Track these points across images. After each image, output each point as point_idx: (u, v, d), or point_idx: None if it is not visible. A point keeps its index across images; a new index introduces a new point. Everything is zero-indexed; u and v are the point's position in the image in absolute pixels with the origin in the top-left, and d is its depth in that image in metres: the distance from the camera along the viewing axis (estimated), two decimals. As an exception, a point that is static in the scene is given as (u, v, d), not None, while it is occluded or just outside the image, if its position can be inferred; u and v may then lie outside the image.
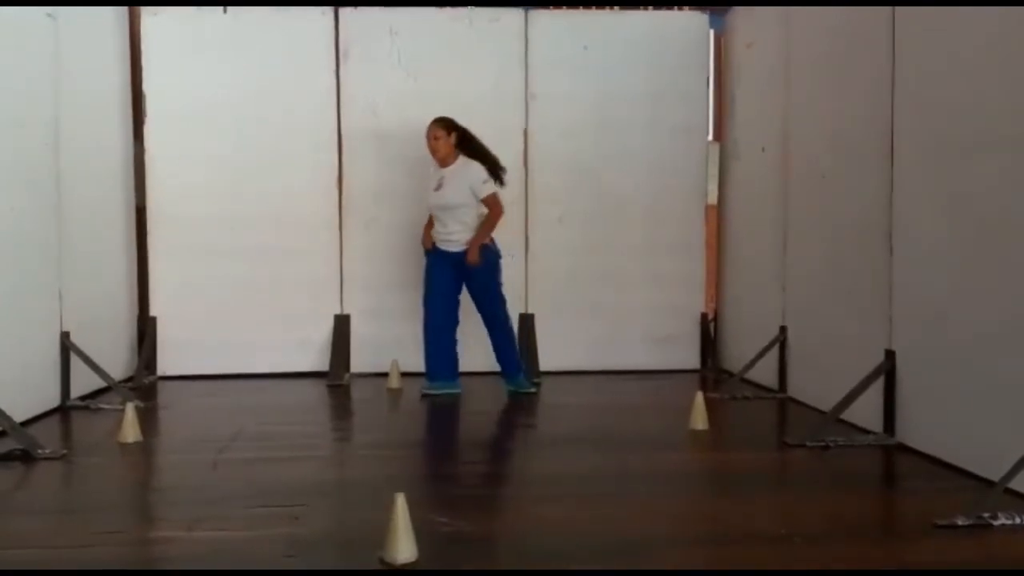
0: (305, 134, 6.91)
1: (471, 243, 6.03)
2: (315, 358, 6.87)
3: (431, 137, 6.08)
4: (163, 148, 6.84)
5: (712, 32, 7.36)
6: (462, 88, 6.97)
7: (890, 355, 4.66)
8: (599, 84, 7.12)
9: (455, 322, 6.22)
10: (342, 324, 6.97)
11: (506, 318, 6.29)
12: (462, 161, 6.10)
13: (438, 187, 6.07)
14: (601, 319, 7.14)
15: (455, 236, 6.06)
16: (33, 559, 3.09)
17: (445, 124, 6.11)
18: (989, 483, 3.64)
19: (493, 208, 6.08)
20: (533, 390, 6.23)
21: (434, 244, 6.17)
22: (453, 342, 6.22)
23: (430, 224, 6.23)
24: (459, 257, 6.05)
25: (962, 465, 4.03)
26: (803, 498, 3.85)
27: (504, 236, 7.04)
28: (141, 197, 6.91)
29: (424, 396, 6.02)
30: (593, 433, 5.13)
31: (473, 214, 6.07)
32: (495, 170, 6.08)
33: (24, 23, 5.27)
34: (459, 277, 6.13)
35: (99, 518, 3.55)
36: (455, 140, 6.11)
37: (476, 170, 6.04)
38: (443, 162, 6.10)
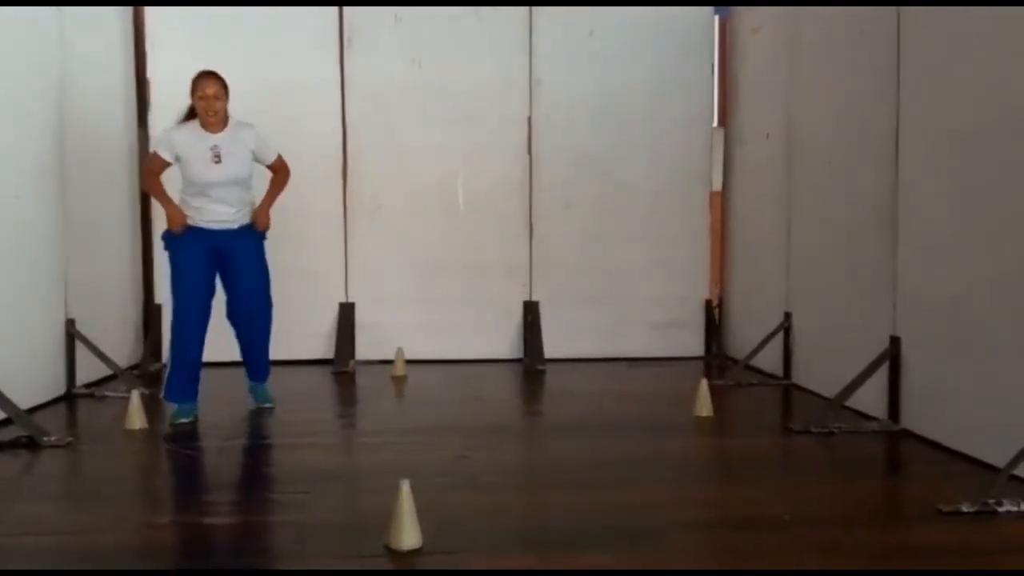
0: (309, 122, 6.90)
1: (263, 205, 5.12)
2: (320, 346, 6.89)
3: (213, 97, 4.84)
4: (167, 136, 6.83)
5: (717, 18, 7.34)
6: (466, 75, 6.97)
7: (895, 341, 4.65)
8: (604, 70, 7.10)
9: (208, 320, 5.02)
10: (347, 312, 6.98)
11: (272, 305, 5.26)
12: (233, 123, 4.99)
13: (216, 159, 4.87)
14: (606, 306, 7.15)
15: (235, 215, 5.02)
16: (40, 546, 3.10)
17: (223, 81, 4.93)
18: (994, 469, 3.64)
19: (283, 170, 5.22)
20: (272, 405, 5.30)
21: (188, 225, 4.97)
22: (202, 351, 5.04)
23: (165, 193, 5.01)
24: (224, 236, 4.98)
25: (967, 451, 4.03)
26: (807, 484, 3.85)
27: (509, 224, 7.07)
28: (145, 185, 6.91)
29: (174, 426, 4.85)
30: (598, 420, 5.13)
31: (252, 195, 5.14)
32: None
33: (29, 11, 5.27)
34: (215, 261, 5.01)
35: (105, 505, 3.56)
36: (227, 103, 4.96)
37: (257, 130, 5.07)
38: (215, 127, 4.92)
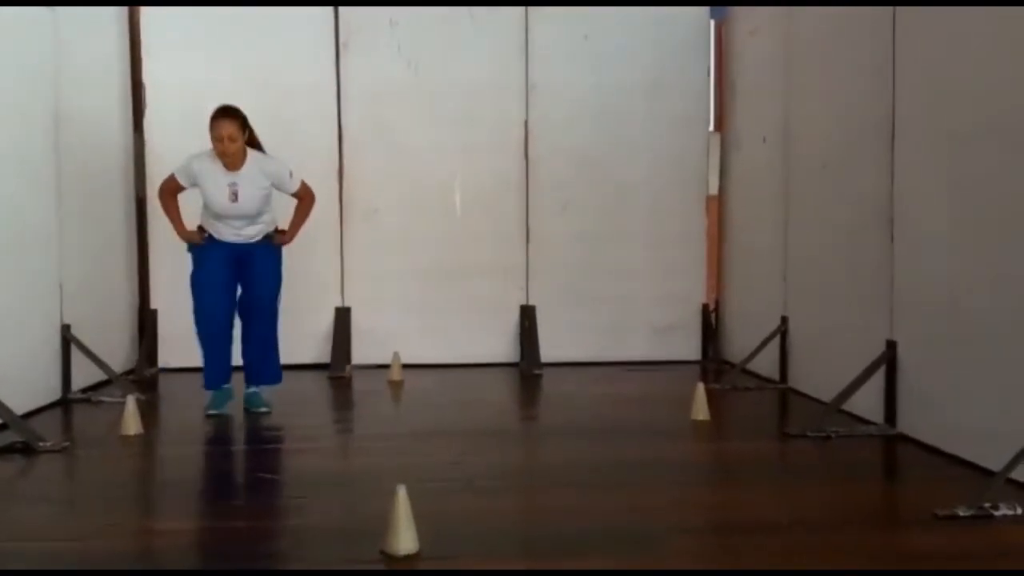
0: (305, 125, 6.90)
1: (290, 232, 5.28)
2: (316, 350, 6.87)
3: (226, 138, 4.83)
4: (163, 139, 6.82)
5: (713, 21, 7.35)
6: (462, 78, 6.97)
7: (891, 345, 4.65)
8: (600, 74, 7.10)
9: (230, 316, 5.26)
10: (343, 316, 6.97)
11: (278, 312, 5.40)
12: (252, 159, 5.02)
13: (233, 197, 4.97)
14: (602, 310, 7.14)
15: (254, 233, 5.18)
16: (35, 551, 3.09)
17: (240, 119, 4.92)
18: (990, 473, 3.64)
19: (308, 196, 5.27)
20: (268, 410, 5.31)
21: (209, 236, 5.16)
22: (226, 343, 5.27)
23: (178, 212, 5.16)
24: (244, 248, 5.16)
25: (963, 455, 4.03)
26: (804, 488, 3.85)
27: (505, 227, 7.07)
28: (141, 189, 6.90)
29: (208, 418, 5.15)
30: (595, 424, 5.13)
31: (271, 213, 5.27)
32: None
33: (24, 14, 5.26)
34: (235, 265, 5.17)
35: (100, 511, 3.56)
36: (247, 137, 5.01)
37: (276, 165, 5.11)
38: (234, 165, 4.97)
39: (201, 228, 5.21)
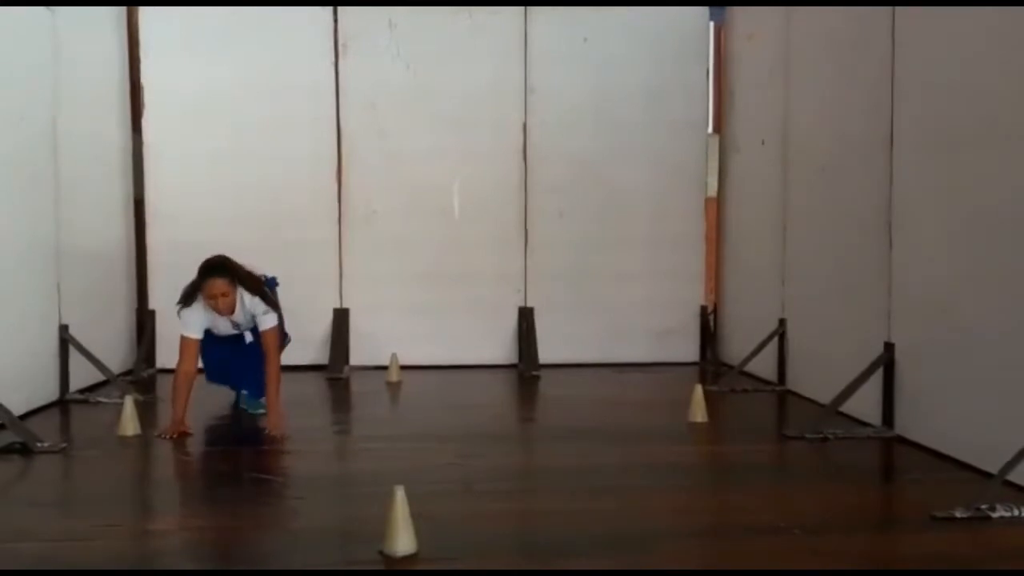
0: (304, 128, 6.91)
1: (272, 414, 4.89)
2: (315, 352, 6.87)
3: (219, 294, 4.90)
4: (161, 141, 6.84)
5: (712, 24, 7.36)
6: (461, 81, 6.98)
7: (889, 348, 4.66)
8: (598, 77, 7.12)
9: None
10: (341, 318, 6.97)
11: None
12: (240, 305, 5.07)
13: (235, 327, 5.18)
14: (600, 312, 7.15)
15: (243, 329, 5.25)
16: (33, 552, 3.09)
17: (229, 274, 4.94)
18: (988, 475, 3.65)
19: (273, 349, 5.00)
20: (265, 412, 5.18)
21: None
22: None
23: (186, 397, 4.94)
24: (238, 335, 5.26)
25: (961, 457, 4.03)
26: (802, 490, 3.85)
27: (504, 229, 7.07)
28: (139, 190, 6.91)
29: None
30: (592, 426, 5.12)
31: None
32: (265, 296, 5.12)
33: (22, 16, 5.26)
34: (233, 344, 5.25)
35: (98, 511, 3.55)
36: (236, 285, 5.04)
37: (256, 305, 5.04)
38: (227, 311, 5.04)
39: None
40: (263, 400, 5.25)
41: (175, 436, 4.73)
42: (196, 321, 4.99)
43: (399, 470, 3.98)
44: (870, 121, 4.83)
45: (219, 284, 4.90)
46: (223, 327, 5.17)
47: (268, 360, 5.00)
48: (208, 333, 5.10)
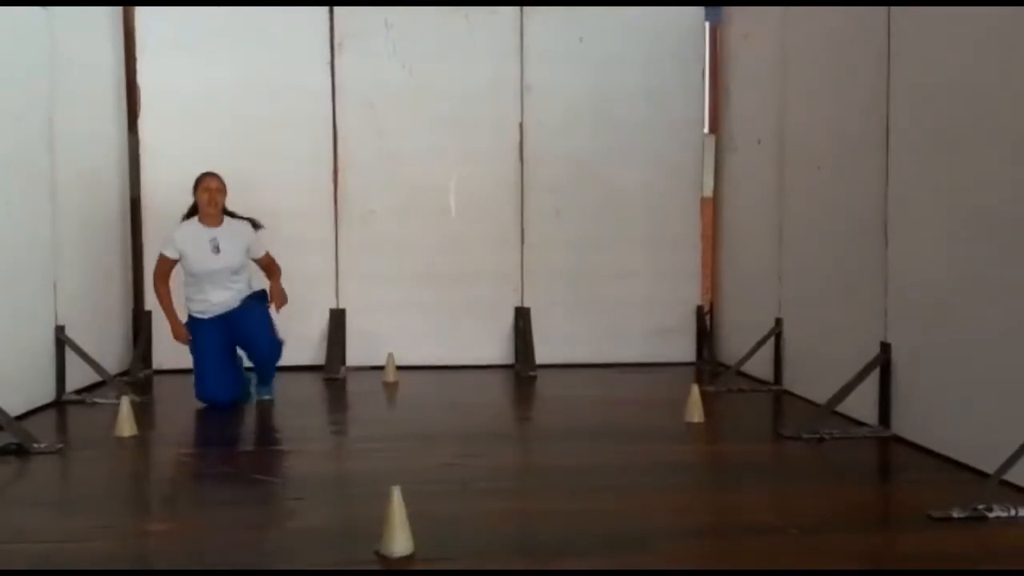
0: (300, 127, 6.91)
1: (274, 291, 5.62)
2: (311, 352, 6.86)
3: (216, 190, 5.45)
4: (157, 141, 6.83)
5: (708, 24, 7.36)
6: (457, 80, 6.98)
7: (886, 347, 4.67)
8: (595, 76, 7.12)
9: (235, 384, 5.59)
10: (338, 318, 6.97)
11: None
12: (228, 220, 5.57)
13: (215, 250, 5.44)
14: (597, 312, 7.15)
15: (235, 297, 5.54)
16: (29, 553, 3.08)
17: (223, 180, 5.54)
18: (984, 475, 3.65)
19: (274, 264, 5.72)
20: (271, 398, 5.65)
21: (193, 317, 5.56)
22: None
23: (171, 301, 5.52)
24: (232, 314, 5.52)
25: (958, 457, 4.04)
26: (799, 490, 3.85)
27: (501, 229, 7.08)
28: (135, 190, 6.90)
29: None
30: (589, 426, 5.13)
31: (248, 273, 5.67)
32: (256, 225, 5.67)
33: (18, 15, 5.25)
34: (230, 336, 5.53)
35: (95, 512, 3.55)
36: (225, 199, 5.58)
37: (249, 229, 5.60)
38: (214, 220, 5.49)
39: (191, 320, 5.57)
40: (273, 387, 5.62)
41: (189, 339, 5.50)
42: (178, 239, 5.47)
43: (396, 470, 3.98)
44: (866, 121, 4.83)
45: (215, 179, 5.49)
46: (202, 245, 5.42)
47: (272, 275, 5.66)
48: (197, 328, 5.49)
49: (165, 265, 5.52)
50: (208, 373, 5.48)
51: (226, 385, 5.50)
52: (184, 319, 5.60)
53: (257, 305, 5.59)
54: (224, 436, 4.97)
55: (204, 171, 5.57)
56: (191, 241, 5.45)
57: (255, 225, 5.67)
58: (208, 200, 5.45)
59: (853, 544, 3.15)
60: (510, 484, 4.08)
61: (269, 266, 5.73)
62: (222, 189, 5.50)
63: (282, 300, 5.64)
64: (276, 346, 5.58)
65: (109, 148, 6.64)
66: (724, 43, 7.31)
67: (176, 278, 5.61)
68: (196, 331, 5.56)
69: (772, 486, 3.99)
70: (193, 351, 5.59)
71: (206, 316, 5.53)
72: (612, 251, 7.18)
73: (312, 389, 6.25)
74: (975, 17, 3.95)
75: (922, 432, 4.37)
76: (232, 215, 5.64)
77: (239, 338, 5.55)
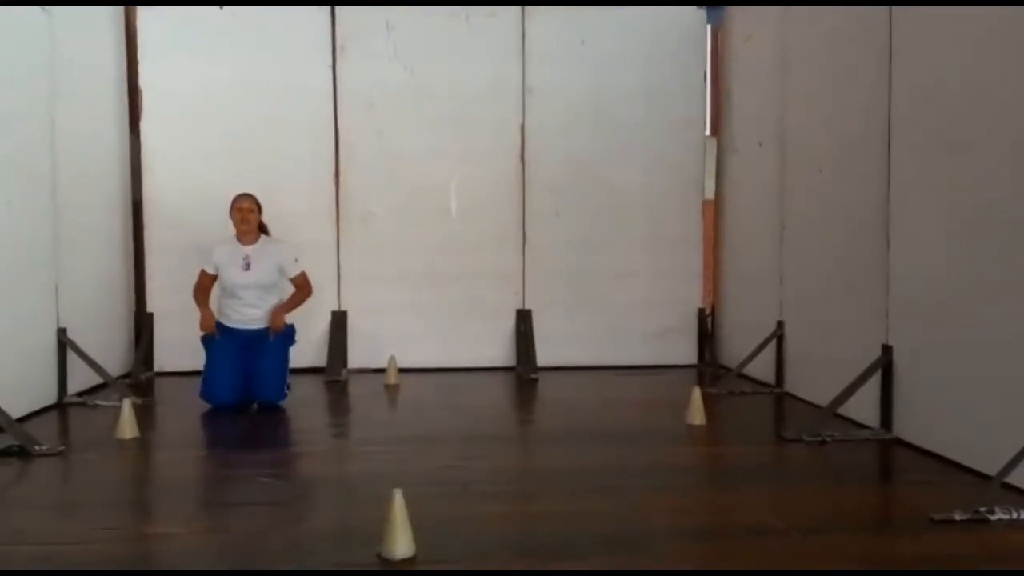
0: (302, 129, 6.91)
1: (279, 308, 5.70)
2: (312, 354, 6.86)
3: (248, 210, 5.66)
4: (159, 143, 6.83)
5: (709, 26, 7.36)
6: (458, 82, 6.99)
7: (887, 350, 4.66)
8: (596, 78, 7.12)
9: (238, 396, 5.54)
10: (339, 320, 6.97)
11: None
12: (264, 239, 5.76)
13: (246, 266, 5.63)
14: (598, 314, 7.14)
15: (263, 316, 5.68)
16: (31, 555, 3.08)
17: (257, 200, 5.75)
18: (986, 478, 3.65)
19: (306, 287, 5.85)
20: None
21: (219, 324, 5.67)
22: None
23: (207, 302, 5.72)
24: (253, 335, 5.63)
25: (959, 460, 4.03)
26: (800, 493, 3.85)
27: (502, 230, 7.07)
28: (137, 192, 6.90)
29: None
30: (591, 428, 5.12)
31: (280, 293, 5.80)
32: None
33: (20, 17, 5.26)
34: (244, 354, 5.56)
35: (97, 514, 3.55)
36: (260, 217, 5.78)
37: (285, 248, 5.81)
38: (248, 238, 5.69)
39: (218, 323, 5.67)
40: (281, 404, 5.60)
41: (214, 332, 5.60)
42: (215, 254, 5.71)
43: (397, 472, 3.99)
44: (868, 122, 4.83)
45: (247, 200, 5.68)
46: (235, 261, 5.63)
47: (293, 294, 5.79)
48: (220, 332, 5.60)
49: (205, 280, 5.75)
50: (216, 375, 5.51)
51: (231, 389, 5.49)
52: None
53: (278, 348, 5.64)
54: (226, 439, 4.97)
55: (239, 192, 5.75)
56: (226, 257, 5.68)
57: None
58: (241, 219, 5.66)
59: (854, 546, 3.14)
60: (512, 486, 4.08)
61: (301, 286, 5.84)
62: (254, 209, 5.70)
63: (279, 323, 5.65)
64: (280, 394, 5.61)
65: (111, 149, 6.64)
66: (726, 45, 7.31)
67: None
68: (214, 343, 5.63)
69: (773, 488, 3.98)
70: (208, 351, 5.64)
71: (230, 326, 5.64)
72: (613, 252, 7.18)
73: (314, 392, 6.25)
74: (975, 17, 3.95)
75: (924, 434, 4.36)
76: (267, 233, 5.83)
77: (250, 372, 5.53)
